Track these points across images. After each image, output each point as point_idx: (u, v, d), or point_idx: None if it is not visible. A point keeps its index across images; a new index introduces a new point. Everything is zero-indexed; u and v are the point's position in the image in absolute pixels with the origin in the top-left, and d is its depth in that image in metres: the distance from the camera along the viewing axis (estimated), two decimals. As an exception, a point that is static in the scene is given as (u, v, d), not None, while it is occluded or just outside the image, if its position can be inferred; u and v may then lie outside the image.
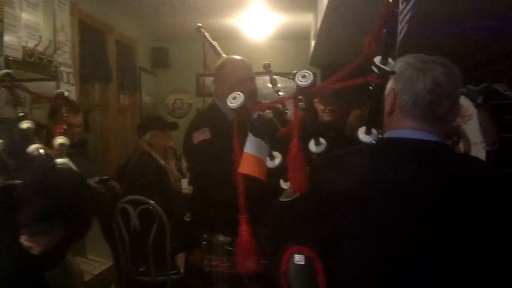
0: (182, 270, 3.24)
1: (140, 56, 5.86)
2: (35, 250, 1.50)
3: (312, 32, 5.01)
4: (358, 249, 1.20)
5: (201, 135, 2.21)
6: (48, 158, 1.69)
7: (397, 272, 1.17)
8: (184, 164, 5.15)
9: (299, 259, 1.26)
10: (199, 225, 2.37)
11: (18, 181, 1.52)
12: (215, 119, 2.27)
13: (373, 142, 1.28)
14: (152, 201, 3.29)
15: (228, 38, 5.17)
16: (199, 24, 2.90)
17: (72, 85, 3.86)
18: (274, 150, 1.48)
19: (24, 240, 1.47)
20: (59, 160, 1.65)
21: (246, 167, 1.40)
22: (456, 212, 1.15)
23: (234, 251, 2.24)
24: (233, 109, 1.38)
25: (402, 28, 1.32)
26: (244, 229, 1.46)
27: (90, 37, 4.36)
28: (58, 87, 3.55)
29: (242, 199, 1.45)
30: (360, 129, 1.29)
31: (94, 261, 2.72)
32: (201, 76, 6.65)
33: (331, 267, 1.24)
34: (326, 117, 2.86)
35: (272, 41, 5.81)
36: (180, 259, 3.26)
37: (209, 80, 6.51)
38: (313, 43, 5.03)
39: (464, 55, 3.98)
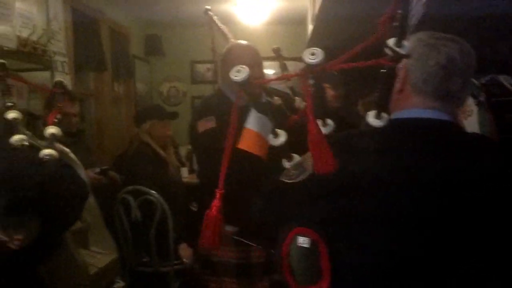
0: (185, 260, 3.22)
1: (133, 44, 5.77)
2: (12, 245, 1.45)
3: (309, 16, 4.94)
4: (368, 232, 1.17)
5: (206, 124, 2.17)
6: (31, 149, 1.59)
7: (410, 255, 1.14)
8: (183, 152, 5.13)
9: (303, 241, 1.20)
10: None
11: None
12: (221, 106, 2.21)
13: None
14: (153, 191, 3.25)
15: (223, 23, 5.08)
16: (207, 6, 2.82)
17: (67, 74, 3.79)
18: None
19: None
20: (46, 151, 1.56)
21: (246, 143, 1.34)
22: (469, 195, 1.13)
23: (241, 240, 2.22)
24: (237, 83, 1.29)
25: (417, 10, 1.27)
26: (215, 204, 1.43)
27: (83, 25, 4.26)
28: (52, 77, 3.48)
29: (223, 172, 1.41)
30: (369, 113, 1.24)
31: (98, 253, 2.67)
32: (196, 63, 6.60)
33: (336, 251, 1.20)
34: (335, 103, 2.81)
35: (267, 26, 5.72)
36: (183, 249, 3.24)
37: (203, 68, 6.58)
38: (310, 27, 4.96)
39: (482, 42, 3.89)
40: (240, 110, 2.27)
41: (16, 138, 1.59)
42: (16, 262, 1.56)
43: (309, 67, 1.15)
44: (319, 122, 1.34)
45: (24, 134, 1.61)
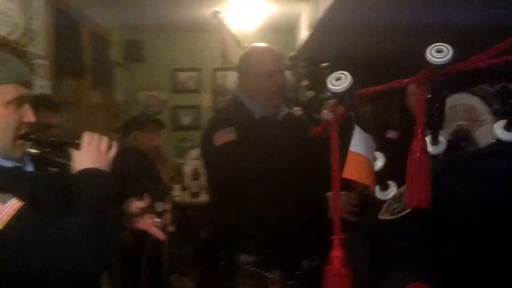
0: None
1: (113, 49, 5.42)
2: None
3: (304, 23, 4.73)
4: (501, 278, 0.94)
5: (224, 136, 1.95)
6: None
7: None
8: (166, 168, 4.80)
9: None
10: (220, 242, 2.07)
11: None
12: (240, 116, 2.01)
13: None
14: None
15: (212, 30, 4.81)
16: (217, 9, 2.55)
17: (47, 79, 3.43)
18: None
19: None
20: None
21: (353, 171, 1.04)
22: None
23: (259, 272, 1.97)
24: (337, 94, 1.02)
25: None
26: (337, 255, 1.07)
27: (64, 27, 3.91)
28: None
29: (338, 213, 1.08)
30: (497, 123, 1.08)
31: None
32: (178, 71, 6.29)
33: None
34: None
35: (257, 33, 5.48)
36: (176, 279, 2.96)
37: (185, 76, 6.27)
38: (303, 34, 4.76)
39: None
40: (256, 122, 2.04)
41: None
42: None
43: (434, 68, 0.89)
44: (428, 139, 1.09)
45: None
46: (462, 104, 2.81)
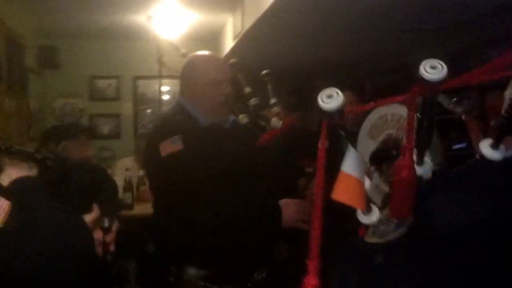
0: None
1: (27, 55, 5.13)
2: None
3: (230, 32, 4.77)
4: None
5: (171, 146, 1.84)
6: None
7: None
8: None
9: None
10: (167, 256, 2.00)
11: None
12: (186, 125, 1.93)
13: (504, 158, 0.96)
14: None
15: (136, 37, 4.72)
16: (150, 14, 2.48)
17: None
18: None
19: None
20: None
21: (344, 193, 0.97)
22: None
23: (209, 287, 1.89)
24: (327, 112, 0.92)
25: None
26: (311, 283, 0.92)
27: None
28: None
29: (317, 236, 0.93)
30: (483, 141, 0.98)
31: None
32: (96, 78, 6.08)
33: None
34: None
35: (180, 41, 5.43)
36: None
37: (104, 83, 6.07)
38: (228, 44, 4.80)
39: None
40: (203, 131, 1.99)
41: None
42: None
43: (428, 84, 0.87)
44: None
45: None
46: (392, 114, 2.97)
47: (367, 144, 3.17)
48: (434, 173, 1.02)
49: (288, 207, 1.88)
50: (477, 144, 0.95)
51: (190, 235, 1.87)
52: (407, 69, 5.06)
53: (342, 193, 0.98)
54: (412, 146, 0.93)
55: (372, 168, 3.18)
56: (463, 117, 1.50)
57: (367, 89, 5.32)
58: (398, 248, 0.99)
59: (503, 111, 0.95)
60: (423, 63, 0.86)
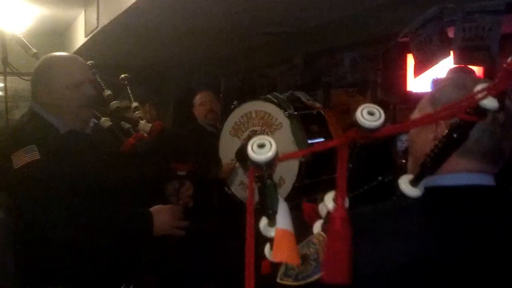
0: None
1: None
2: None
3: (80, 28, 4.55)
4: None
5: (25, 156, 1.65)
6: None
7: None
8: None
9: None
10: (28, 278, 1.82)
11: None
12: (42, 133, 1.76)
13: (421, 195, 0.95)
14: None
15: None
16: None
17: None
18: None
19: None
20: None
21: (283, 251, 0.87)
22: None
23: None
24: (259, 163, 0.82)
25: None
26: None
27: None
28: None
29: (250, 268, 0.84)
30: (402, 177, 0.95)
31: None
32: None
33: None
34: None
35: (25, 36, 5.05)
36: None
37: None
38: (81, 40, 4.58)
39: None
40: (62, 138, 1.83)
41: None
42: None
43: (366, 131, 0.82)
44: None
45: None
46: (256, 111, 3.05)
47: (231, 141, 3.26)
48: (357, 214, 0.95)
49: (161, 214, 1.82)
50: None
51: (50, 253, 1.73)
52: (258, 70, 5.32)
53: (282, 252, 0.87)
54: (344, 195, 0.86)
55: (237, 164, 3.25)
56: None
57: (222, 88, 5.48)
58: None
59: (429, 150, 0.92)
60: (361, 107, 0.83)
